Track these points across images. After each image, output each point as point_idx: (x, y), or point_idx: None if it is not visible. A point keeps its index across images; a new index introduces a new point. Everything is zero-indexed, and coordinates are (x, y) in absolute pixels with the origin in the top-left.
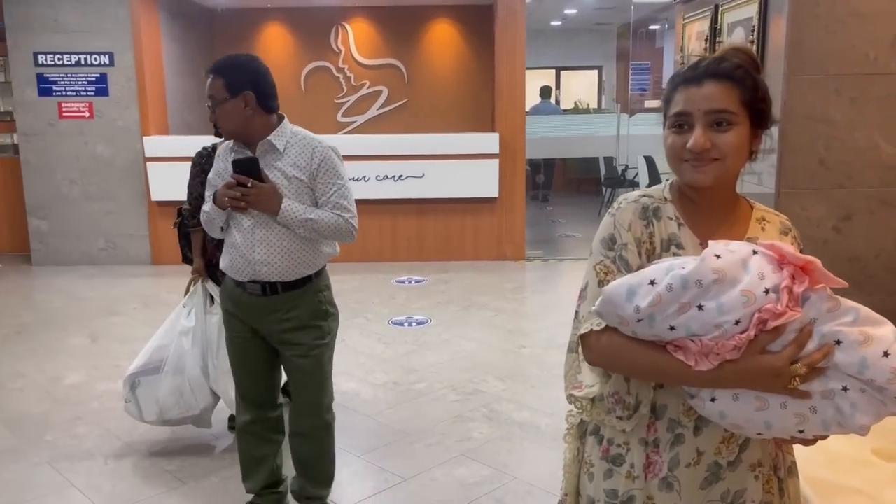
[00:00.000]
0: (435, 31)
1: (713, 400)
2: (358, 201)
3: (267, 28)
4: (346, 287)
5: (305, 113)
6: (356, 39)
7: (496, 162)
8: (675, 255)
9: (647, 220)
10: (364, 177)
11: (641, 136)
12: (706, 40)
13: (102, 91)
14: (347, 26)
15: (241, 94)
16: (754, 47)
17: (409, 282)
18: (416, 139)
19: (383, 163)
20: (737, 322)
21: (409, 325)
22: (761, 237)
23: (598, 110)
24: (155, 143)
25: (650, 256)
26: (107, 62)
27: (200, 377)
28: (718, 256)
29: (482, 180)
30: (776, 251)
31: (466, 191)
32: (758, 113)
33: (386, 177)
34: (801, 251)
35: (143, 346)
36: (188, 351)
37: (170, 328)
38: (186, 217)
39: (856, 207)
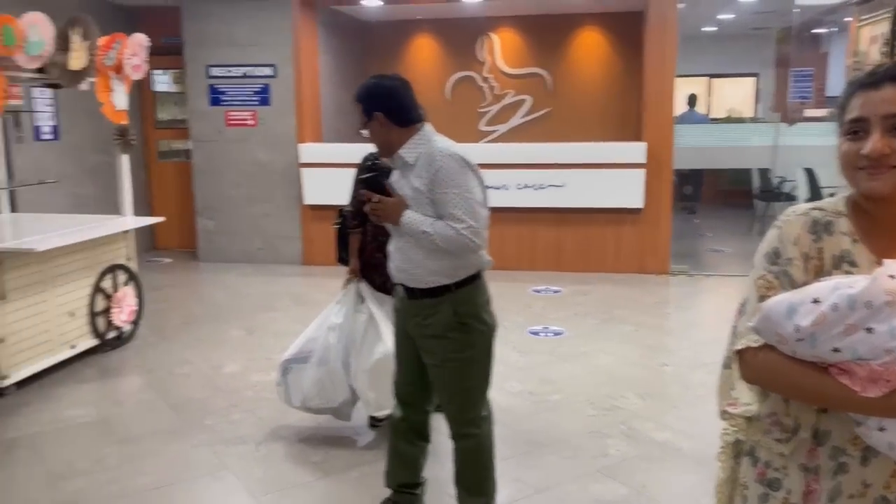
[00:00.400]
0: (582, 39)
1: (882, 430)
2: (497, 210)
3: (416, 39)
4: None
5: (450, 122)
6: (502, 49)
7: (642, 172)
8: (846, 273)
9: (816, 234)
10: (504, 185)
11: (801, 146)
12: (885, 43)
13: (265, 101)
14: (494, 36)
15: (374, 117)
16: None
17: (547, 291)
18: (557, 148)
19: (523, 171)
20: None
21: (546, 335)
22: None
23: (754, 119)
24: (309, 150)
25: (818, 273)
26: (270, 74)
27: (341, 372)
28: (893, 277)
29: (626, 190)
30: None
31: (609, 201)
32: None
33: (526, 186)
34: None
35: (294, 341)
36: (333, 345)
37: (321, 322)
38: (347, 219)
39: None
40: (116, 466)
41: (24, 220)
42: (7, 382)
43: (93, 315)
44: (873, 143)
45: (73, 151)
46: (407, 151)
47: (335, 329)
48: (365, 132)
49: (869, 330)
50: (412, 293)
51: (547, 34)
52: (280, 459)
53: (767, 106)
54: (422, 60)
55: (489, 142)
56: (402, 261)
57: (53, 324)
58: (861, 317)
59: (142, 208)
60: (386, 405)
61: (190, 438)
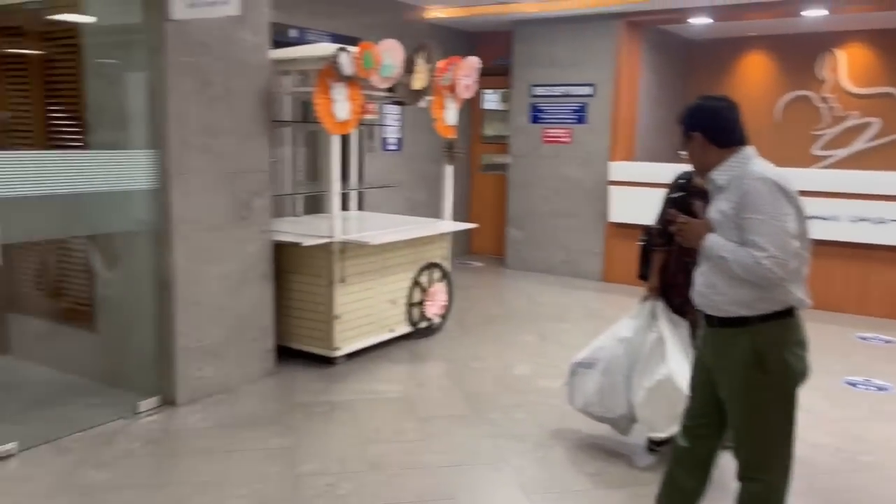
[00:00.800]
0: None
1: None
2: (824, 243)
3: (746, 57)
4: None
5: (778, 144)
6: (849, 66)
7: None
8: None
9: None
10: (834, 216)
11: None
12: None
13: (582, 119)
14: (839, 52)
15: (692, 137)
16: None
17: (876, 340)
18: None
19: (860, 202)
20: None
21: (867, 388)
22: None
23: None
24: (620, 168)
25: None
26: (589, 93)
27: (622, 385)
28: None
29: None
30: None
31: None
32: None
33: (861, 219)
34: None
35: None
36: (619, 357)
37: (613, 332)
38: (652, 236)
39: None
40: (413, 440)
41: (367, 217)
42: (339, 353)
43: (410, 305)
44: None
45: (411, 161)
46: (719, 174)
47: (623, 342)
48: (684, 152)
49: None
50: (710, 321)
51: None
52: (555, 463)
53: None
54: (750, 79)
55: (823, 167)
56: (702, 285)
57: (378, 308)
58: None
59: (462, 214)
60: (658, 427)
61: (476, 427)
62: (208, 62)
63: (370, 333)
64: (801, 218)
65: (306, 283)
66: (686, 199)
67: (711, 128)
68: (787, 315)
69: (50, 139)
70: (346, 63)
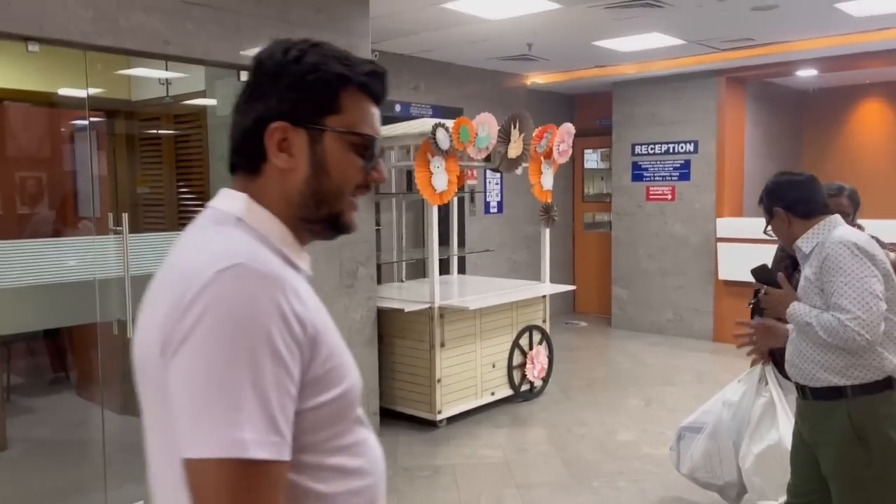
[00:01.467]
0: None
1: None
2: None
3: (862, 104)
4: None
5: None
6: None
7: None
8: None
9: None
10: None
11: None
12: None
13: (685, 176)
14: None
15: (775, 213)
16: None
17: None
18: None
19: None
20: None
21: None
22: None
23: None
24: (727, 225)
25: None
26: (691, 150)
27: (730, 450)
28: None
29: None
30: None
31: None
32: None
33: None
34: None
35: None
36: (726, 422)
37: (719, 396)
38: (761, 298)
39: None
40: None
41: (467, 280)
42: (441, 416)
43: (511, 368)
44: None
45: (512, 223)
46: (804, 241)
47: (731, 406)
48: (769, 232)
49: None
50: (804, 393)
51: None
52: None
53: None
54: (868, 126)
55: None
56: (792, 354)
57: (478, 372)
58: None
59: (566, 274)
60: (769, 495)
61: (578, 496)
62: None
63: (471, 397)
64: (889, 281)
65: (409, 348)
66: (766, 268)
67: (792, 201)
68: (886, 386)
69: (181, 218)
70: (443, 138)
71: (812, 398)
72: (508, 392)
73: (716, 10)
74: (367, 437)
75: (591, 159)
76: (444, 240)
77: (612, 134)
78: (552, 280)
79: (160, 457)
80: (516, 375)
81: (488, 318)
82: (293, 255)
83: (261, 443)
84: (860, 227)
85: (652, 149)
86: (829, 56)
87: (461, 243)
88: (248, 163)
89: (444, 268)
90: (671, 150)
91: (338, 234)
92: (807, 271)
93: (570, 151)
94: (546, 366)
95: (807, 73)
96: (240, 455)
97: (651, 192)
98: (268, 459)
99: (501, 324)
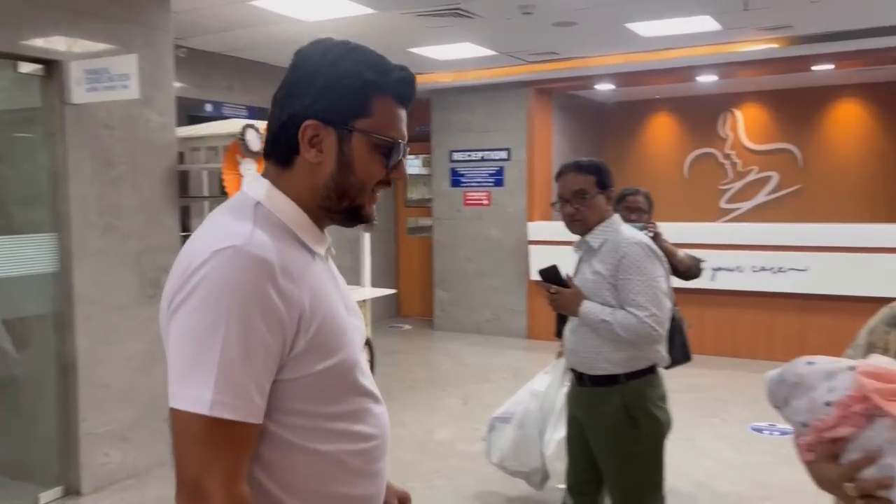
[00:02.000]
0: (837, 112)
1: None
2: (729, 293)
3: (654, 118)
4: (706, 382)
5: (688, 199)
6: (746, 124)
7: None
8: None
9: (892, 327)
10: (738, 267)
11: None
12: None
13: (499, 182)
14: (737, 112)
15: (607, 191)
16: None
17: None
18: (799, 229)
19: (761, 253)
20: (804, 425)
21: (771, 433)
22: None
23: None
24: (537, 228)
25: None
26: (505, 157)
27: (536, 438)
28: (811, 363)
29: (885, 278)
30: (872, 372)
31: (863, 289)
32: None
33: (763, 268)
34: None
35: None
36: (533, 411)
37: (528, 387)
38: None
39: None
40: None
41: None
42: None
43: None
44: None
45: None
46: (593, 237)
47: (538, 396)
48: (578, 206)
49: (788, 403)
50: (581, 380)
51: (797, 108)
52: None
53: None
54: (660, 138)
55: (731, 220)
56: (575, 343)
57: None
58: (786, 391)
59: (389, 278)
60: None
61: None
62: (111, 143)
63: None
64: (668, 279)
65: None
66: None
67: (611, 189)
68: (650, 372)
69: None
70: (254, 139)
71: (590, 384)
72: None
73: (521, 23)
74: (371, 406)
75: (414, 165)
76: None
77: (431, 140)
78: (376, 284)
79: None
80: None
81: None
82: (307, 238)
83: (223, 403)
84: (655, 227)
85: (469, 155)
86: (624, 72)
87: None
88: (281, 153)
89: None
90: (486, 158)
91: (356, 224)
92: (597, 267)
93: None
94: (368, 371)
95: (605, 87)
96: (203, 412)
97: (468, 198)
98: (229, 419)
99: None
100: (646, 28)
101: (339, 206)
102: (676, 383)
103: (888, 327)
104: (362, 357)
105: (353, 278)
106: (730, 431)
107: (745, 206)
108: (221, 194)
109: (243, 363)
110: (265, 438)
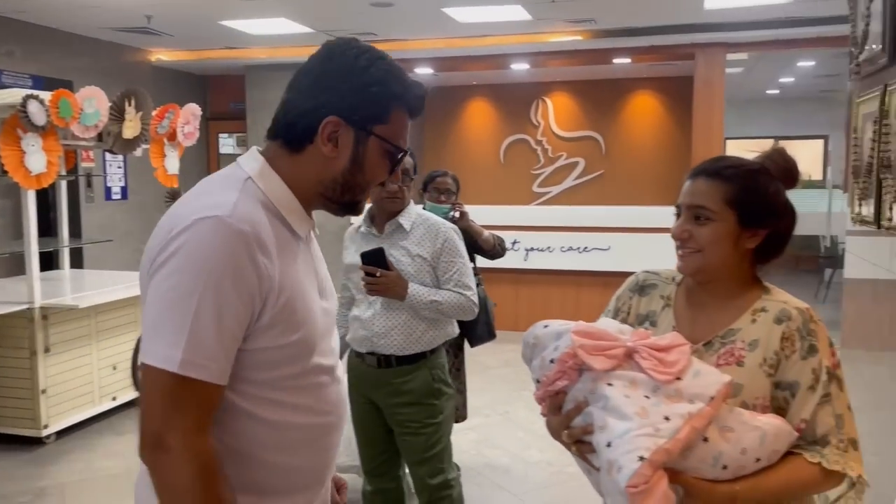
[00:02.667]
0: (635, 103)
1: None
2: (540, 272)
3: (472, 104)
4: (519, 357)
5: (504, 183)
6: (555, 112)
7: None
8: (646, 329)
9: (634, 293)
10: (548, 247)
11: None
12: (874, 122)
13: None
14: (548, 100)
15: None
16: None
17: None
18: (601, 211)
19: (569, 234)
20: (538, 381)
21: None
22: (747, 328)
23: (817, 183)
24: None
25: None
26: None
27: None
28: (546, 326)
29: (671, 255)
30: (583, 331)
31: (654, 265)
32: (746, 213)
33: (570, 248)
34: (804, 341)
35: None
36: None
37: None
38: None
39: None
40: None
41: (83, 275)
42: (47, 432)
43: (135, 368)
44: (675, 226)
45: (140, 210)
46: (405, 218)
47: None
48: (402, 185)
49: (531, 361)
50: (385, 361)
51: (600, 98)
52: None
53: (839, 169)
54: (477, 123)
55: (543, 203)
56: (384, 327)
57: (96, 376)
58: (530, 350)
59: None
60: None
61: None
62: None
63: (87, 405)
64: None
65: (4, 357)
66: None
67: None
68: (443, 346)
69: None
70: (37, 112)
71: (396, 365)
72: (135, 394)
73: (338, 1)
74: (327, 383)
75: (228, 144)
76: (51, 230)
77: (246, 118)
78: None
79: None
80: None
81: (106, 315)
82: (292, 219)
83: (192, 363)
84: (462, 207)
85: None
86: (442, 57)
87: (75, 233)
88: (293, 139)
89: (52, 262)
90: None
91: (349, 214)
92: (416, 250)
93: (198, 134)
94: None
95: (424, 72)
96: (172, 369)
97: None
98: (195, 378)
99: (123, 321)
100: (462, 14)
101: (341, 199)
102: (494, 360)
103: (632, 293)
104: (330, 337)
105: None
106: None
107: (555, 190)
108: (2, 174)
109: (214, 328)
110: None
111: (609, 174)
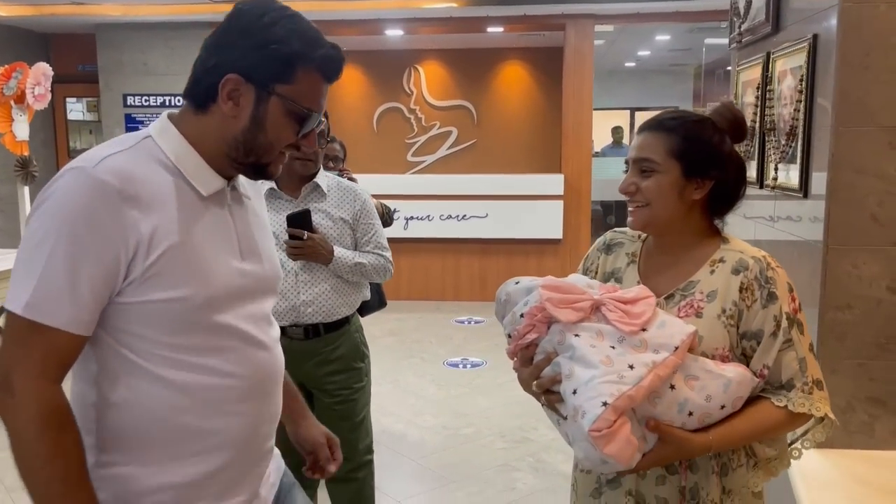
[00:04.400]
0: (505, 73)
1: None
2: (421, 240)
3: (345, 71)
4: (404, 325)
5: (378, 152)
6: (427, 81)
7: (560, 203)
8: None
9: (601, 251)
10: (428, 216)
11: None
12: (757, 88)
13: None
14: (420, 68)
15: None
16: (803, 97)
17: (469, 322)
18: (479, 179)
19: (447, 202)
20: (509, 336)
21: (464, 366)
22: (706, 279)
23: None
24: None
25: None
26: None
27: None
28: (517, 283)
29: (546, 221)
30: (551, 285)
31: (530, 232)
32: (690, 163)
33: (450, 216)
34: (762, 289)
35: None
36: None
37: None
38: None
39: None
40: None
41: None
42: None
43: None
44: (623, 181)
45: None
46: (323, 180)
47: None
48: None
49: (503, 316)
50: (313, 331)
51: (471, 67)
52: None
53: None
54: (349, 90)
55: (418, 172)
56: (311, 294)
57: None
58: (502, 306)
59: None
60: None
61: None
62: None
63: None
64: None
65: None
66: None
67: None
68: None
69: None
70: None
71: (324, 333)
72: None
73: None
74: (239, 346)
75: (77, 109)
76: None
77: (98, 82)
78: None
79: None
80: None
81: None
82: (194, 179)
83: (37, 307)
84: (350, 173)
85: (147, 100)
86: (313, 20)
87: None
88: (198, 97)
89: None
90: (168, 103)
91: (260, 178)
92: (337, 213)
93: (49, 96)
94: None
95: None
96: (18, 311)
97: None
98: (40, 322)
99: None
100: None
101: (245, 160)
102: (379, 329)
103: (599, 252)
104: (252, 301)
105: (9, 242)
106: (429, 369)
107: (429, 159)
108: None
109: (65, 275)
110: (110, 356)
111: (481, 143)
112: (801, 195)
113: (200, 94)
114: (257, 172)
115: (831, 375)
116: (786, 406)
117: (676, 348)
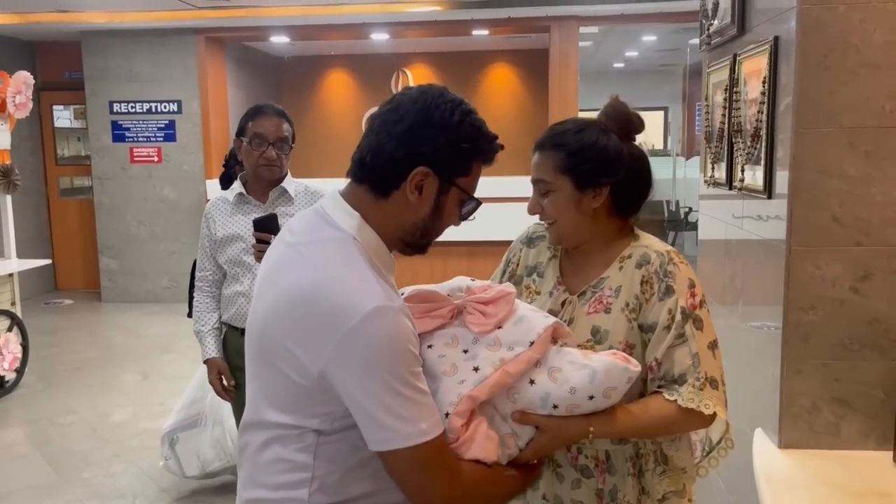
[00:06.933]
0: (492, 75)
1: None
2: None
3: (330, 74)
4: None
5: None
6: (415, 84)
7: None
8: (534, 280)
9: (524, 245)
10: None
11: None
12: (725, 89)
13: (171, 137)
14: (407, 72)
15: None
16: (766, 98)
17: None
18: None
19: None
20: None
21: None
22: (615, 276)
23: (662, 152)
24: (217, 186)
25: (511, 276)
26: (175, 109)
27: (234, 427)
28: (402, 293)
29: (528, 223)
30: (413, 294)
31: (517, 234)
32: (578, 176)
33: None
34: (661, 282)
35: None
36: (216, 402)
37: (202, 381)
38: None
39: (875, 267)
40: None
41: None
42: None
43: None
44: (528, 204)
45: None
46: (288, 185)
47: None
48: (279, 153)
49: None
50: None
51: (459, 70)
52: None
53: (676, 138)
54: (337, 94)
55: None
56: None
57: None
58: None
59: (43, 248)
60: None
61: (64, 493)
62: None
63: None
64: None
65: None
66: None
67: None
68: None
69: None
70: None
71: None
72: None
73: None
74: None
75: (64, 117)
76: None
77: (85, 89)
78: (24, 255)
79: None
80: None
81: None
82: (383, 267)
83: (430, 427)
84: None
85: (133, 107)
86: (299, 25)
87: None
88: (381, 184)
89: None
90: (154, 110)
91: (416, 254)
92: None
93: (31, 105)
94: (19, 355)
95: (280, 40)
96: (423, 440)
97: (136, 154)
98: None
99: None
100: None
101: (419, 242)
102: None
103: (522, 245)
104: None
105: None
106: None
107: None
108: None
109: (419, 392)
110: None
111: None
112: (765, 196)
113: (386, 182)
114: (419, 250)
115: (796, 376)
116: (675, 400)
117: (532, 343)
